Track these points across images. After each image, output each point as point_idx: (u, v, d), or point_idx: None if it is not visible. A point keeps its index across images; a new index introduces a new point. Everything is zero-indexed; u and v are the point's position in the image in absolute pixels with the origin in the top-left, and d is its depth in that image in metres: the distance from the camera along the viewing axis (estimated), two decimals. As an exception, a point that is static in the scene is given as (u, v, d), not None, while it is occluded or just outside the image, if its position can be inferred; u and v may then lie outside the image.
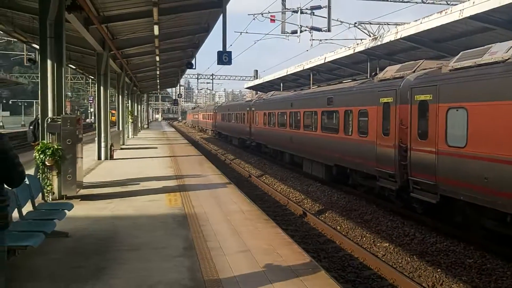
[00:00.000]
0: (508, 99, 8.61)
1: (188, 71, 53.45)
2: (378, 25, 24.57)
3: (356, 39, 25.78)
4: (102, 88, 19.30)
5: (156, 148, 26.26)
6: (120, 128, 27.23)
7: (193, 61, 25.87)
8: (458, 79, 10.19)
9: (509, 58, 8.97)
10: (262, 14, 22.52)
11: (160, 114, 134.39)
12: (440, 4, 23.00)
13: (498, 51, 9.49)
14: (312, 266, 6.16)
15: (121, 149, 24.49)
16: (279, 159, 25.49)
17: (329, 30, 20.80)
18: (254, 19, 23.06)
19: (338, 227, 12.26)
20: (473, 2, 14.55)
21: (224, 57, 13.52)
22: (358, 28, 23.88)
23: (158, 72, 32.64)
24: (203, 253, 6.64)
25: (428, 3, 22.59)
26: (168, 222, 8.50)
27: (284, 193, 17.15)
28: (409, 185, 11.97)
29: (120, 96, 27.50)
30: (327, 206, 14.59)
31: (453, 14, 15.26)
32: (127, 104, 34.04)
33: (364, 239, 11.13)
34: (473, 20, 15.12)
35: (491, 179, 8.98)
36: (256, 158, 27.91)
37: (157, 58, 24.29)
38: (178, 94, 63.44)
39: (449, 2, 22.73)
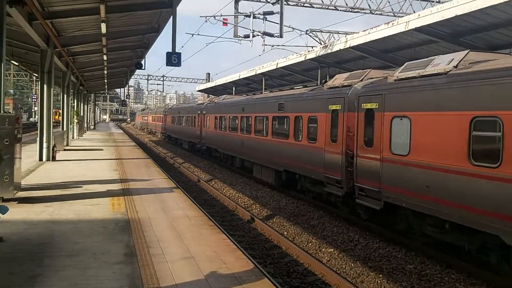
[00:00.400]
0: (449, 110, 8.94)
1: (138, 71, 52.32)
2: (329, 34, 25.06)
3: (307, 46, 26.17)
4: (45, 86, 18.49)
5: (101, 150, 25.48)
6: (64, 128, 26.22)
7: (142, 62, 25.34)
8: (402, 89, 10.49)
9: (450, 70, 9.32)
10: (214, 17, 22.39)
11: (107, 115, 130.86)
12: (388, 15, 23.79)
13: (441, 63, 9.84)
14: (255, 273, 6.09)
15: (65, 150, 23.58)
16: (230, 164, 25.39)
17: (281, 36, 20.98)
18: (206, 21, 22.87)
19: (285, 233, 12.29)
20: (418, 15, 15.13)
21: (173, 58, 13.28)
22: (310, 35, 24.28)
23: (105, 72, 31.77)
24: (144, 260, 6.42)
25: (376, 14, 23.29)
26: (109, 228, 8.19)
27: (233, 198, 17.05)
28: (354, 191, 12.20)
29: (65, 95, 26.48)
30: (275, 211, 14.62)
31: (399, 26, 15.80)
32: (73, 104, 32.87)
33: (310, 244, 11.21)
34: (418, 32, 15.71)
35: (432, 187, 9.28)
36: (206, 162, 27.68)
37: (105, 57, 23.62)
38: (126, 95, 61.92)
39: (396, 14, 23.52)
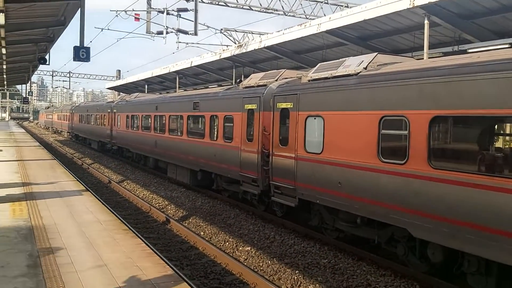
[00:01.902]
0: (360, 110, 9.30)
1: (42, 67, 49.31)
2: (243, 33, 25.19)
3: (222, 45, 26.07)
4: None
5: (0, 150, 23.46)
6: (-44, 128, 23.80)
7: (47, 57, 23.70)
8: (316, 89, 10.76)
9: (360, 71, 9.70)
10: (125, 12, 21.48)
11: (7, 113, 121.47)
12: (300, 17, 24.44)
13: (351, 64, 10.23)
14: (174, 278, 5.86)
15: (-44, 151, 21.40)
16: (143, 164, 24.62)
17: (195, 34, 20.64)
18: (117, 15, 21.88)
19: (202, 233, 12.11)
20: (330, 18, 15.67)
21: (81, 53, 12.47)
22: (224, 34, 24.19)
23: (5, 67, 29.35)
24: (50, 271, 5.91)
25: (289, 15, 23.83)
26: (10, 237, 7.47)
27: (147, 199, 16.51)
28: (270, 189, 12.33)
29: (-44, 91, 24.05)
30: (191, 211, 14.37)
31: (311, 28, 16.26)
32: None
33: (227, 243, 11.14)
34: (329, 35, 16.27)
35: (344, 184, 9.61)
36: (117, 163, 26.61)
37: (4, 51, 21.73)
38: (29, 92, 57.72)
39: (308, 17, 24.23)
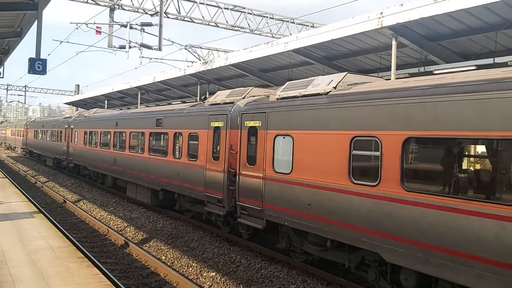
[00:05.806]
0: (330, 129, 9.06)
1: (-4, 80, 47.27)
2: (208, 50, 24.88)
3: (187, 61, 25.60)
4: None
5: None
6: None
7: (1, 69, 22.56)
8: (285, 108, 10.48)
9: (330, 91, 9.50)
10: (86, 24, 20.75)
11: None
12: (266, 36, 24.38)
13: (321, 83, 10.02)
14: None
15: None
16: (100, 182, 23.64)
17: (160, 49, 20.13)
18: (77, 28, 21.11)
19: (163, 257, 11.48)
20: (297, 37, 15.56)
21: (37, 65, 11.69)
22: (189, 50, 23.80)
23: (-46, 78, 27.79)
24: (-8, 308, 5.24)
25: (255, 33, 23.72)
26: None
27: (104, 220, 15.68)
28: (236, 210, 11.88)
29: None
30: (152, 234, 13.69)
31: (278, 46, 16.09)
32: None
33: (190, 269, 10.57)
34: (296, 53, 16.14)
35: (313, 205, 9.29)
36: (73, 181, 25.49)
37: (-47, 61, 20.53)
38: (-19, 106, 55.14)
39: (274, 35, 24.21)
